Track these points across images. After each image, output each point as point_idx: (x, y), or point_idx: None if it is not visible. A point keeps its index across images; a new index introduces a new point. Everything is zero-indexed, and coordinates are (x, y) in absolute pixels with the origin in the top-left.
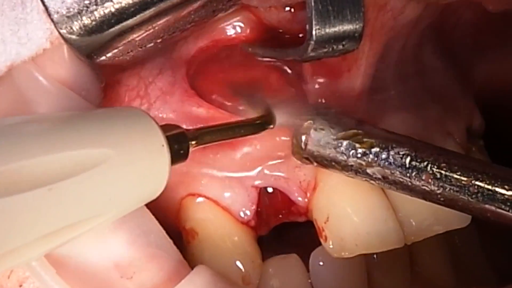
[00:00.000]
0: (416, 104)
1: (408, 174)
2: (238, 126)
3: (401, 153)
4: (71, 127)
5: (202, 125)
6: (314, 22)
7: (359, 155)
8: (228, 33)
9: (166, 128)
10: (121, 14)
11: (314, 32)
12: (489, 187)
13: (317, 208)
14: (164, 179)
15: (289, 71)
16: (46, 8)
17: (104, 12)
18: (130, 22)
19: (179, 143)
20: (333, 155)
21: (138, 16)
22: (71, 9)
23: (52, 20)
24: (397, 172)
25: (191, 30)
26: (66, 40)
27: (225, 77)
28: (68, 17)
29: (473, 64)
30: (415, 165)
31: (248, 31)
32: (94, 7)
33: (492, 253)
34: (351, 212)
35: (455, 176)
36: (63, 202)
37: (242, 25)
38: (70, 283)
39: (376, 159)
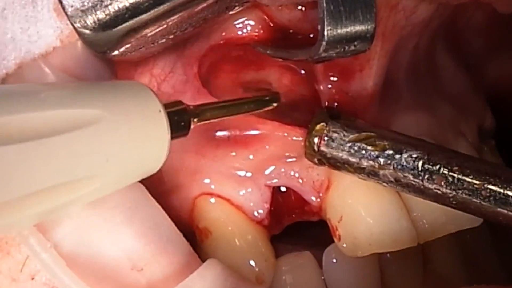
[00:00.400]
0: (428, 104)
1: (420, 177)
2: (241, 103)
3: (413, 156)
4: (64, 89)
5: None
6: (326, 23)
7: (372, 158)
8: (239, 32)
9: (167, 102)
10: (135, 9)
11: (326, 33)
12: (502, 190)
13: (331, 207)
14: (165, 148)
15: (301, 71)
16: (61, 2)
17: (118, 7)
18: (143, 17)
19: (180, 115)
20: (345, 157)
21: (151, 11)
22: (86, 3)
23: (66, 14)
24: (410, 175)
25: (203, 27)
26: (79, 34)
27: (237, 77)
28: (82, 11)
29: (484, 64)
30: (428, 168)
31: (259, 30)
32: (109, 1)
33: (504, 252)
34: (365, 211)
35: (468, 179)
36: (55, 157)
37: (253, 24)
38: (81, 275)
39: (388, 161)
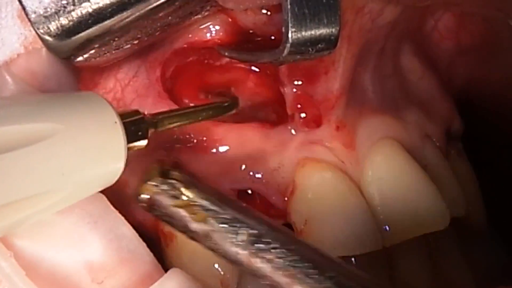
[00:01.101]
0: (395, 107)
1: (242, 249)
2: (199, 110)
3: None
4: (19, 104)
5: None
6: (290, 25)
7: (193, 225)
8: (203, 36)
9: (124, 112)
10: (99, 15)
11: (290, 35)
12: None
13: (296, 211)
14: (122, 158)
15: (266, 73)
16: (24, 8)
17: (81, 13)
18: (107, 23)
19: (136, 125)
20: (169, 219)
21: (115, 17)
22: (49, 9)
23: (29, 20)
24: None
25: (168, 32)
26: (43, 40)
27: (201, 81)
28: (45, 17)
29: (452, 67)
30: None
31: (222, 33)
32: (72, 7)
33: (471, 256)
34: (329, 215)
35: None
36: (8, 174)
37: (217, 27)
38: (40, 286)
39: (207, 233)
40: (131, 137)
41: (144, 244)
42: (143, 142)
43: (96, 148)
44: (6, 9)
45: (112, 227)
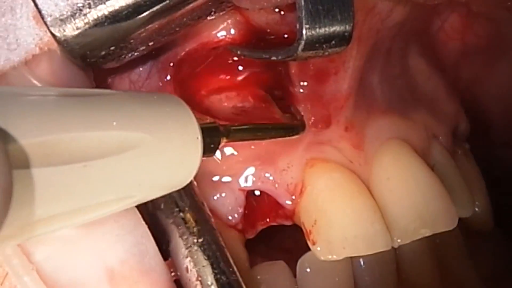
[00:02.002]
0: (402, 107)
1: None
2: (269, 128)
3: None
4: (112, 107)
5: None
6: (304, 22)
7: None
8: (215, 36)
9: (204, 124)
10: (114, 17)
11: (304, 32)
12: None
13: (305, 211)
14: (193, 171)
15: (278, 73)
16: (40, 11)
17: (97, 15)
18: (123, 25)
19: (212, 137)
20: None
21: (131, 20)
22: (64, 12)
23: (45, 23)
24: None
25: (181, 33)
26: (59, 42)
27: (213, 81)
28: (61, 20)
29: (459, 67)
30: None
31: (235, 33)
32: (88, 10)
33: (478, 255)
34: (338, 215)
35: None
36: (95, 181)
37: (229, 27)
38: None
39: None
40: (206, 150)
41: (163, 261)
42: (212, 155)
43: (175, 162)
44: (21, 10)
45: (138, 242)
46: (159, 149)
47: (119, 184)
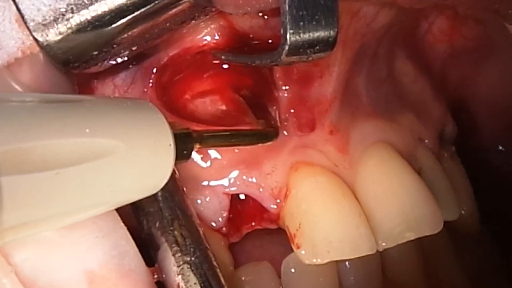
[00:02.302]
0: (388, 111)
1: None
2: (243, 134)
3: None
4: (85, 114)
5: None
6: (288, 27)
7: None
8: (199, 41)
9: (173, 125)
10: (97, 22)
11: (288, 37)
12: None
13: (289, 215)
14: (166, 177)
15: (260, 77)
16: (22, 16)
17: (80, 20)
18: (106, 30)
19: (184, 143)
20: None
21: (114, 24)
22: (47, 17)
23: (28, 28)
24: None
25: (164, 38)
26: (42, 47)
27: (196, 86)
28: (44, 25)
29: (446, 70)
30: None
31: (219, 38)
32: (70, 15)
33: (464, 257)
34: (323, 219)
35: None
36: (67, 188)
37: (213, 32)
38: None
39: None
40: (179, 156)
41: (143, 262)
42: (186, 161)
43: (148, 169)
44: (4, 14)
45: (117, 244)
46: (131, 156)
47: (92, 191)
